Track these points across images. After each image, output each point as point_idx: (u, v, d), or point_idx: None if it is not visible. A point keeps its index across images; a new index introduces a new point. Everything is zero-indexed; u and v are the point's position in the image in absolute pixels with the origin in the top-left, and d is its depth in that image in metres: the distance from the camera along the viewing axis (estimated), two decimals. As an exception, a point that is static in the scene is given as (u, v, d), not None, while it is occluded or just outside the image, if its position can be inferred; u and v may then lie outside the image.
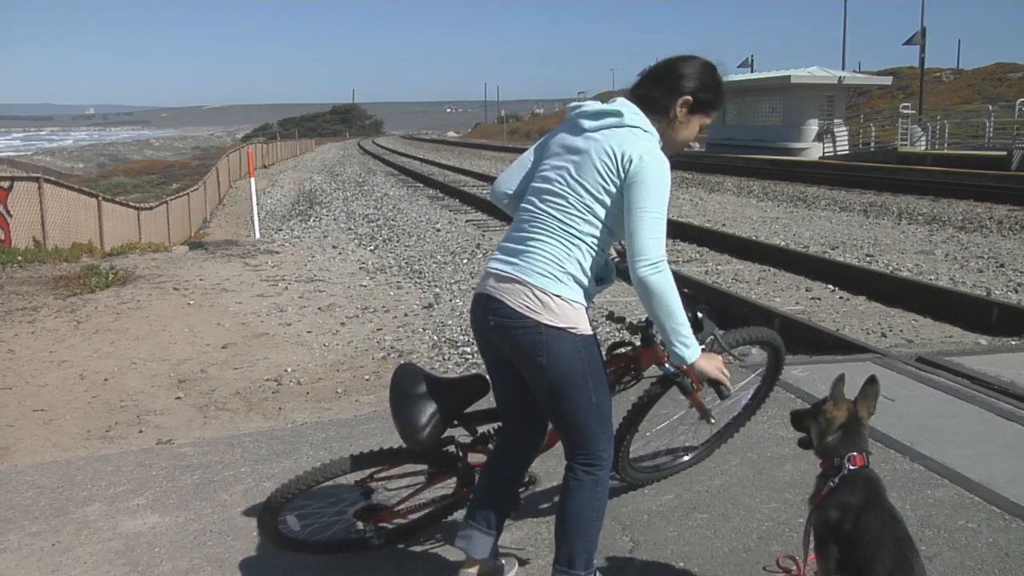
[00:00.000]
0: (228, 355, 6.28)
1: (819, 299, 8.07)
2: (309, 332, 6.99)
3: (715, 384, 2.33)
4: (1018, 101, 24.97)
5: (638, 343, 2.81)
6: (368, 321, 7.45)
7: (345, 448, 3.94)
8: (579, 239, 2.32)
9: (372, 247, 12.53)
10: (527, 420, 2.56)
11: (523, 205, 2.46)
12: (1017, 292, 8.21)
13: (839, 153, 30.62)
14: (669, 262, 2.26)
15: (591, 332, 2.33)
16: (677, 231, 12.03)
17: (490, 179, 25.93)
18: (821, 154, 30.58)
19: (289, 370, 5.92)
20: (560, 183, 2.35)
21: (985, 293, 8.01)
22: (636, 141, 2.28)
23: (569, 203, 2.32)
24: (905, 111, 29.95)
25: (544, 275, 2.29)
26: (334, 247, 12.45)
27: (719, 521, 3.08)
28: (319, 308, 7.88)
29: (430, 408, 2.48)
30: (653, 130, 2.34)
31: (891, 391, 4.43)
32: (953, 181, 19.49)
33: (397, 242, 12.92)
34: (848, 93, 35.27)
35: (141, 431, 4.70)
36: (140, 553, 3.00)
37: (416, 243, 12.73)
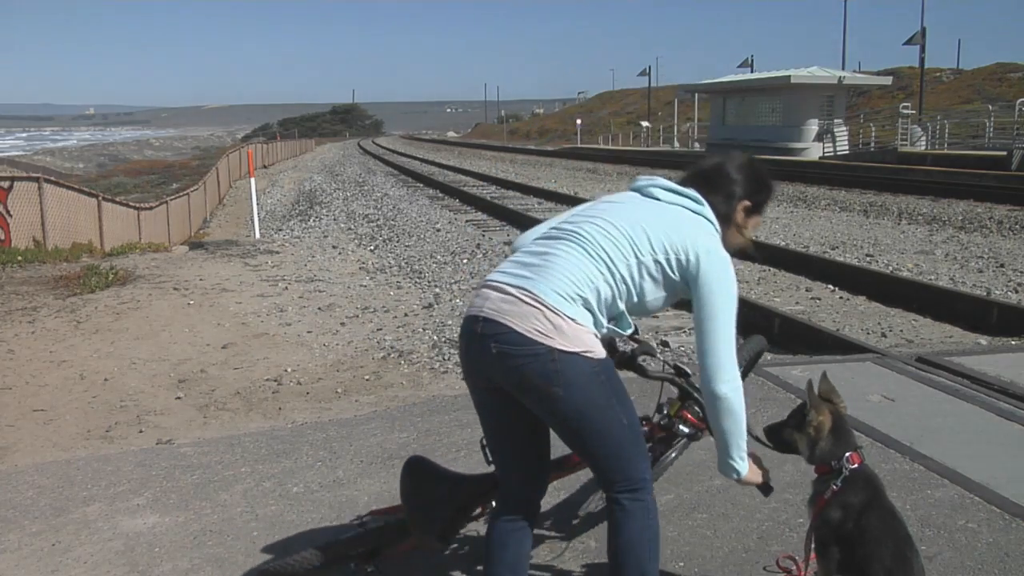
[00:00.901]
0: (228, 355, 6.28)
1: (819, 299, 8.07)
2: (309, 332, 6.99)
3: (761, 487, 2.27)
4: (1018, 101, 25.03)
5: (654, 419, 2.67)
6: (368, 321, 7.45)
7: (345, 448, 3.94)
8: (610, 271, 2.07)
9: (372, 247, 12.53)
10: (529, 467, 2.25)
11: (555, 227, 2.22)
12: (1017, 292, 8.21)
13: (839, 153, 30.64)
14: None
15: (607, 356, 2.11)
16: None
17: (490, 179, 25.94)
18: (821, 154, 30.60)
19: (289, 370, 5.92)
20: (617, 215, 2.14)
21: (985, 293, 8.01)
22: (707, 236, 2.15)
23: (620, 233, 2.09)
24: (905, 111, 30.01)
25: (559, 294, 2.02)
26: (334, 247, 12.45)
27: (719, 521, 3.08)
28: (319, 308, 7.88)
29: (444, 514, 2.43)
30: (719, 228, 2.22)
31: (891, 391, 4.44)
32: (953, 181, 19.49)
33: (397, 242, 12.92)
34: (848, 93, 35.31)
35: (141, 431, 4.70)
36: (140, 553, 3.00)
37: (416, 243, 12.73)
